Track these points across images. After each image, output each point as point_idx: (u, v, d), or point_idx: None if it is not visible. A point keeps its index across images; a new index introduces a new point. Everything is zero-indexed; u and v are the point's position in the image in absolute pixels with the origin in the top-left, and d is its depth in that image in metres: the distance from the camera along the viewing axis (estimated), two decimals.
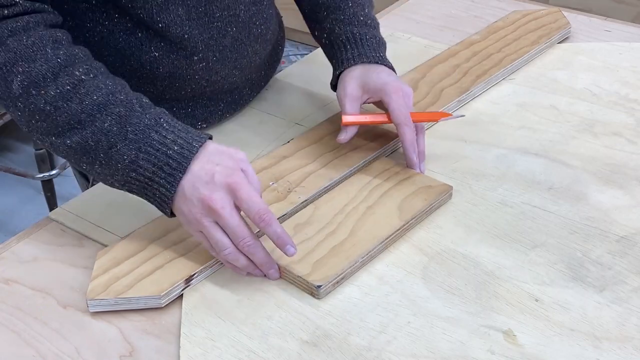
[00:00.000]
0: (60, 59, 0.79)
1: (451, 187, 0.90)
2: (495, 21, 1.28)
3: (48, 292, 0.81)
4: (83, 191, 0.98)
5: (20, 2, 0.79)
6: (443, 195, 0.89)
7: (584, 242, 0.84)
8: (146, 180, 0.77)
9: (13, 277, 0.83)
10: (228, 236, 0.77)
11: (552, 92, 1.13)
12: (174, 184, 0.76)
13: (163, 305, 0.77)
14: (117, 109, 0.78)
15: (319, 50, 1.28)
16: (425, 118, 0.97)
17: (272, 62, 1.13)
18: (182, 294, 0.79)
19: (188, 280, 0.79)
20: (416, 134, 0.93)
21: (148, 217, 0.87)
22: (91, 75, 0.79)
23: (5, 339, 0.76)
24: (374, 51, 0.97)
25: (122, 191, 0.81)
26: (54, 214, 0.91)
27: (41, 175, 2.12)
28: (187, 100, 1.00)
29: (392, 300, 0.78)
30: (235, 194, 0.75)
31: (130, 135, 0.77)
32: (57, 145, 0.80)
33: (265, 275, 0.80)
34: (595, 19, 1.34)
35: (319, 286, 0.77)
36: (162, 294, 0.77)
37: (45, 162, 2.13)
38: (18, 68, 0.77)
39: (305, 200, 0.88)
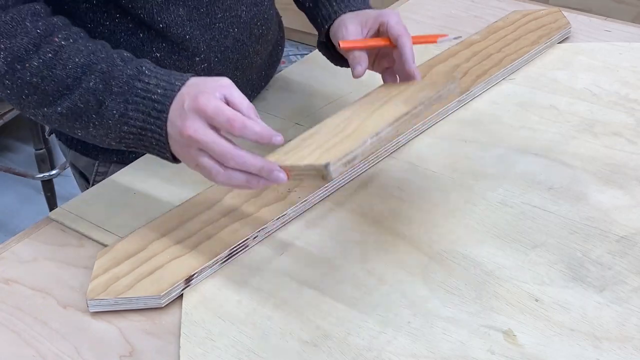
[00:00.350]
0: (39, 30, 0.79)
1: (456, 78, 0.87)
2: (495, 21, 1.28)
3: (48, 292, 0.81)
4: (83, 191, 0.98)
5: None
6: (450, 83, 0.84)
7: (584, 242, 0.84)
8: (139, 130, 0.77)
9: (13, 277, 0.83)
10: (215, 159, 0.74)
11: (552, 92, 1.13)
12: (163, 126, 0.76)
13: (163, 305, 0.77)
14: (100, 66, 0.78)
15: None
16: (423, 40, 0.92)
17: (272, 62, 1.13)
18: (182, 294, 0.79)
19: (188, 280, 0.79)
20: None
21: (148, 217, 0.87)
22: (71, 40, 0.80)
23: (5, 339, 0.76)
24: (361, 3, 0.95)
25: (122, 190, 0.81)
26: (54, 214, 0.91)
27: (41, 175, 2.12)
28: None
29: (392, 300, 0.78)
30: (204, 114, 0.73)
31: (115, 89, 0.77)
32: (49, 116, 0.80)
33: (268, 182, 0.75)
34: (595, 19, 1.34)
35: (327, 164, 0.69)
36: (162, 294, 0.77)
37: (45, 162, 2.13)
38: (0, 45, 0.78)
39: (305, 200, 0.88)
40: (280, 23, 1.16)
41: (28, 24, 0.79)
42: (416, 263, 0.82)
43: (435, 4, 1.43)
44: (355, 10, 0.94)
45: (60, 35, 0.80)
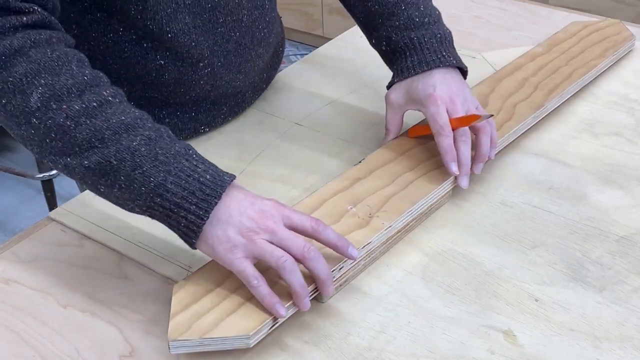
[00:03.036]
0: (87, 77, 0.75)
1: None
2: (556, 33, 1.23)
3: (48, 292, 0.81)
4: (83, 191, 0.98)
5: (38, 10, 0.76)
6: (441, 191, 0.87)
7: (584, 242, 0.84)
8: (172, 206, 0.72)
9: (13, 277, 0.83)
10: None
11: None
12: (208, 210, 0.72)
13: (251, 346, 0.71)
14: (147, 132, 0.74)
15: (319, 50, 1.29)
16: (459, 123, 0.89)
17: (273, 64, 1.13)
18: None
19: (276, 317, 0.72)
20: (458, 140, 0.88)
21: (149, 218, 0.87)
22: (117, 100, 0.75)
23: (5, 339, 0.76)
24: (434, 54, 0.93)
25: None
26: (54, 214, 0.91)
27: (41, 175, 2.12)
28: (191, 104, 1.00)
29: (392, 300, 0.78)
30: (287, 218, 0.74)
31: (161, 158, 0.72)
32: (72, 167, 0.74)
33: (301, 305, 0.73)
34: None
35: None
36: (251, 334, 0.69)
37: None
38: (40, 80, 0.72)
39: (390, 227, 0.81)
40: (280, 24, 1.16)
41: (74, 67, 0.75)
42: (416, 263, 0.82)
43: (435, 4, 1.43)
44: (426, 70, 0.92)
45: (108, 91, 0.75)
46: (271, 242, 0.72)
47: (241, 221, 0.72)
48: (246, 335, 0.69)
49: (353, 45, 1.26)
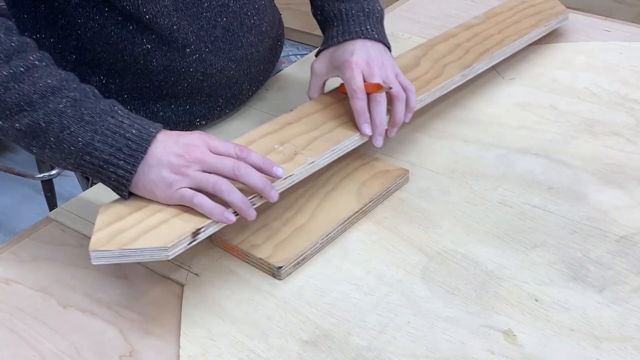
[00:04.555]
0: (14, 44, 0.78)
1: (407, 171, 0.94)
2: (493, 7, 1.28)
3: (48, 292, 0.81)
4: (83, 191, 0.98)
5: None
6: (399, 179, 0.92)
7: (584, 242, 0.84)
8: (101, 162, 0.76)
9: (13, 277, 0.83)
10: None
11: (552, 92, 1.13)
12: (135, 164, 0.76)
13: (170, 258, 0.73)
14: (72, 93, 0.78)
15: None
16: (369, 89, 0.93)
17: (271, 56, 1.13)
18: (182, 294, 0.79)
19: (195, 234, 0.75)
20: (372, 102, 0.92)
21: None
22: (44, 63, 0.79)
23: (5, 339, 0.76)
24: (358, 25, 0.98)
25: None
26: (54, 214, 0.92)
27: (41, 175, 2.12)
28: (185, 96, 1.01)
29: (392, 300, 0.78)
30: (208, 145, 0.78)
31: (87, 118, 0.76)
32: (5, 129, 0.78)
33: (245, 212, 0.77)
34: (595, 19, 1.34)
35: (280, 267, 0.80)
36: (169, 245, 0.73)
37: (45, 162, 2.13)
38: None
39: (313, 162, 0.86)
40: (280, 20, 1.16)
41: (2, 35, 0.78)
42: (416, 263, 0.82)
43: (435, 4, 1.43)
44: (349, 40, 0.97)
45: (34, 56, 0.79)
46: (203, 171, 0.77)
47: (169, 160, 0.77)
48: (164, 247, 0.73)
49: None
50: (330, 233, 0.84)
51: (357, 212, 0.87)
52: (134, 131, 0.77)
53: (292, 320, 0.76)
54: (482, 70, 1.11)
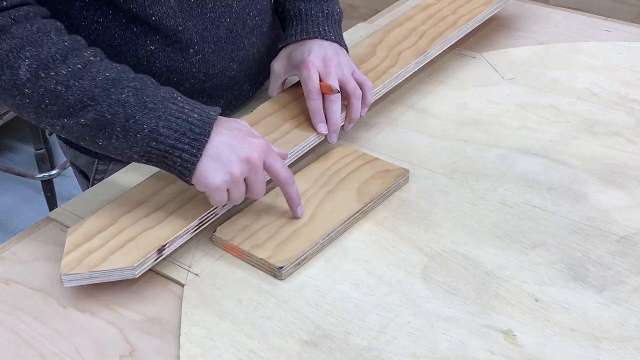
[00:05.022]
0: (67, 42, 0.80)
1: (407, 171, 0.94)
2: None
3: (48, 292, 0.81)
4: (83, 191, 0.98)
5: None
6: (399, 179, 0.93)
7: (584, 242, 0.84)
8: (167, 148, 0.78)
9: (13, 277, 0.83)
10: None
11: (552, 92, 1.13)
12: (200, 148, 0.78)
13: (137, 276, 0.77)
14: (132, 83, 0.80)
15: None
16: (324, 90, 0.97)
17: (271, 57, 1.13)
18: (182, 294, 0.79)
19: (160, 250, 0.79)
20: (327, 101, 0.95)
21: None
22: (98, 58, 0.81)
23: (5, 339, 0.76)
24: (316, 26, 1.01)
25: (121, 190, 0.81)
26: (54, 214, 0.92)
27: (41, 175, 2.12)
28: (186, 96, 1.00)
29: (392, 300, 0.78)
30: (267, 155, 0.82)
31: (150, 105, 0.79)
32: (69, 127, 0.80)
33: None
34: (595, 19, 1.34)
35: (281, 267, 0.80)
36: (135, 265, 0.77)
37: (45, 162, 2.13)
38: (25, 53, 0.78)
39: None
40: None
41: (54, 36, 0.80)
42: (416, 263, 0.82)
43: None
44: (306, 39, 1.00)
45: (88, 52, 0.81)
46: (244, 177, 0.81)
47: (230, 160, 0.79)
48: (131, 266, 0.76)
49: (353, 45, 1.26)
50: (330, 233, 0.85)
51: (357, 212, 0.87)
52: (195, 115, 0.80)
53: (292, 320, 0.76)
54: (436, 55, 1.14)
